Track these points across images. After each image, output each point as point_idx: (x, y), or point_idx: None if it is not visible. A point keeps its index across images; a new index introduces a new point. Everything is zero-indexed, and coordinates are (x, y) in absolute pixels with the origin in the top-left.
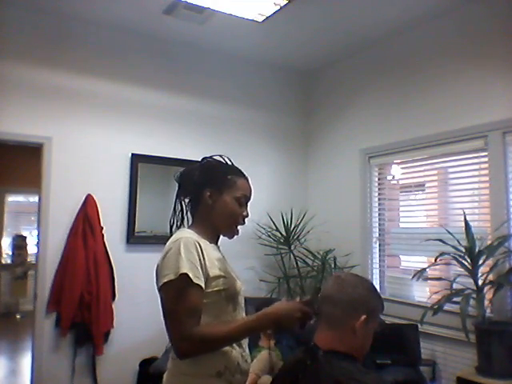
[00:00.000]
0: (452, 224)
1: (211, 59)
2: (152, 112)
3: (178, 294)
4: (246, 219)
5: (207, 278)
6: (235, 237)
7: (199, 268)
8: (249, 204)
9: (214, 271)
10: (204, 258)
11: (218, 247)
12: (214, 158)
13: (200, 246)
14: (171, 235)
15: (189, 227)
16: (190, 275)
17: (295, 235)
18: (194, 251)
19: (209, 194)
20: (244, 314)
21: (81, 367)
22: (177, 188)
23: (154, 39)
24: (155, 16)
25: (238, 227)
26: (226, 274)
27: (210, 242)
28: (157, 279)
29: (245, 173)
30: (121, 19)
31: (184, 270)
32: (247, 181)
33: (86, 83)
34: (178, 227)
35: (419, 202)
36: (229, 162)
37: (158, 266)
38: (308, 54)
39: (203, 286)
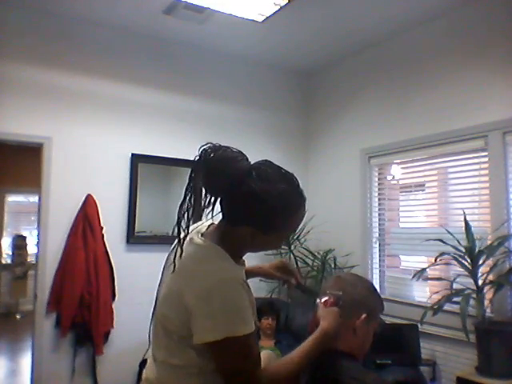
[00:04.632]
0: (452, 224)
1: (211, 59)
2: (152, 112)
3: (239, 355)
4: None
5: None
6: None
7: (250, 315)
8: None
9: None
10: (249, 302)
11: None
12: (285, 176)
13: (248, 287)
14: (181, 239)
15: (214, 234)
16: (249, 332)
17: (295, 235)
18: (246, 297)
19: (250, 234)
20: None
21: (81, 367)
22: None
23: (154, 39)
24: (155, 16)
25: None
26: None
27: (239, 263)
28: (189, 319)
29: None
30: (121, 19)
31: (247, 331)
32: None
33: (86, 83)
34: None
35: (419, 202)
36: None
37: (188, 303)
38: (308, 54)
39: None
